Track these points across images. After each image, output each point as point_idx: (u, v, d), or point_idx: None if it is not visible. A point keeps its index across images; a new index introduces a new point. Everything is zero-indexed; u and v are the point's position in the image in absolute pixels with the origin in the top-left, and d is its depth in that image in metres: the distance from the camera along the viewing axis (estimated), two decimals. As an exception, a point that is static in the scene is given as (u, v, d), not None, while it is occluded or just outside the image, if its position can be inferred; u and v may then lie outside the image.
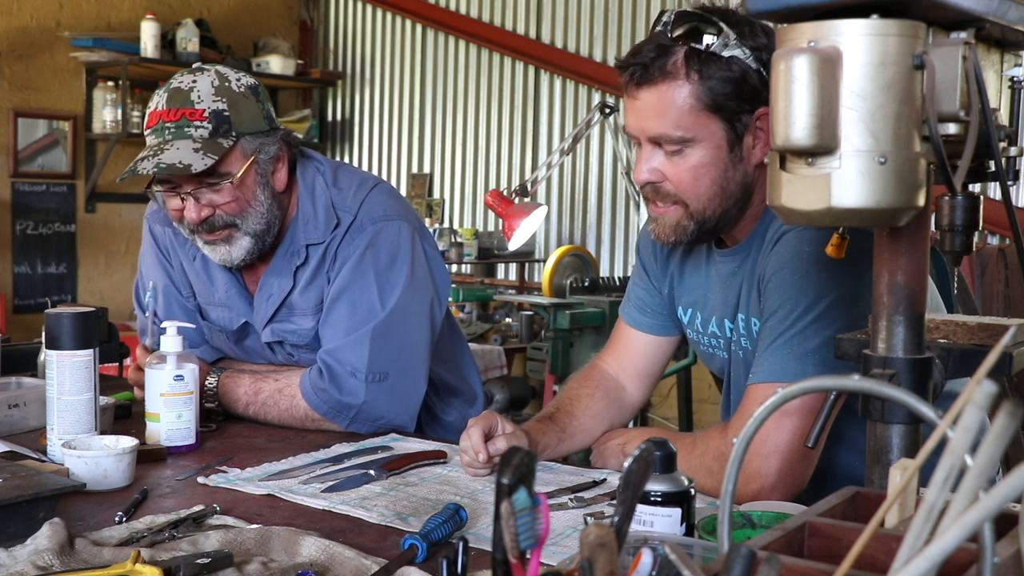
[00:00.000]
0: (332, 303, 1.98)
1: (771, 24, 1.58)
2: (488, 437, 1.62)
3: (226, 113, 1.89)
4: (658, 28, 1.58)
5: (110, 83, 5.76)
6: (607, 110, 4.36)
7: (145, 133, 1.92)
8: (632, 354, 1.94)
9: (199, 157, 1.84)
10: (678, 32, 1.55)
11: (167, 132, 1.86)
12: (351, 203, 2.00)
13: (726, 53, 1.53)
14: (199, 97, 1.88)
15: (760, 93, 1.55)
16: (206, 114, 1.87)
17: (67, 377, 1.65)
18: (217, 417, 2.00)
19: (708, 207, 1.60)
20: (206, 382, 2.00)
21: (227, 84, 1.92)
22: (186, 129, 1.86)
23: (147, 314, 2.07)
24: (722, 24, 1.53)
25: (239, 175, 1.90)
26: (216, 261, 2.00)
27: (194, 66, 1.97)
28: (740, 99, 1.55)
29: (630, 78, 1.58)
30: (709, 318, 1.77)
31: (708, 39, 1.53)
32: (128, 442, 1.59)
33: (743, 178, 1.60)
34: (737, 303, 1.69)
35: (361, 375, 1.94)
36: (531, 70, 5.92)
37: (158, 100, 1.91)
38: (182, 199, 1.91)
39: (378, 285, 1.97)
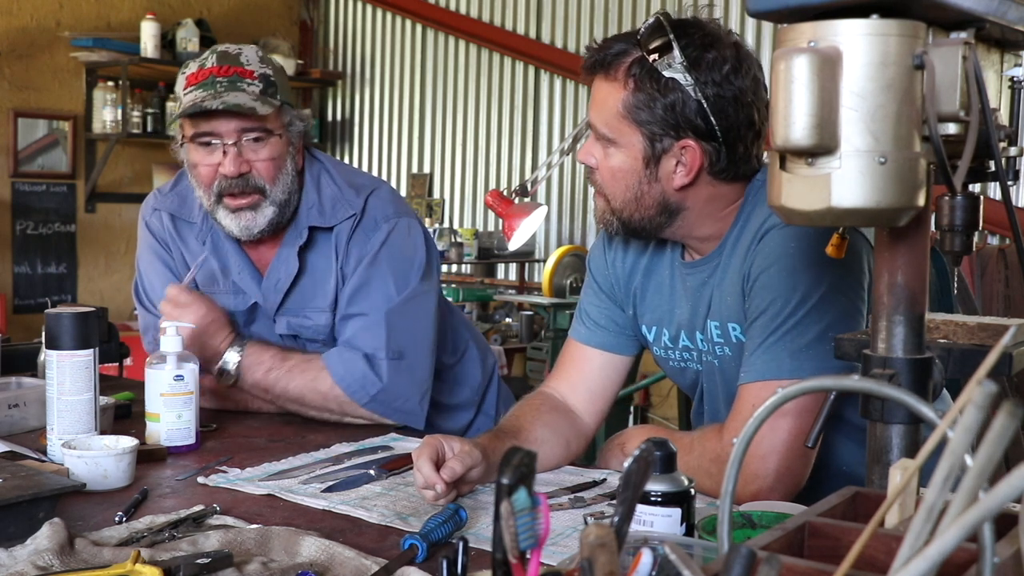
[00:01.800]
0: (350, 301, 2.03)
1: (735, 62, 1.55)
2: (438, 464, 1.47)
3: (272, 78, 1.98)
4: (639, 28, 1.58)
5: (110, 83, 5.77)
6: (607, 110, 4.36)
7: (186, 90, 1.95)
8: (584, 375, 1.83)
9: (259, 104, 1.92)
10: (650, 38, 1.55)
11: (219, 85, 1.92)
12: (356, 196, 2.05)
13: (667, 74, 1.53)
14: (247, 60, 1.96)
15: (691, 123, 1.55)
16: (256, 75, 1.96)
17: (67, 377, 1.65)
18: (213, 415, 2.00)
19: (625, 209, 1.64)
20: (226, 355, 2.00)
21: (269, 56, 2.02)
22: (239, 84, 1.93)
23: (190, 275, 2.05)
24: (674, 44, 1.53)
25: (278, 135, 1.98)
26: (236, 231, 2.00)
27: (228, 45, 2.03)
28: (664, 123, 1.55)
29: (584, 64, 1.63)
30: (678, 333, 1.74)
31: (665, 52, 1.53)
32: (128, 442, 1.59)
33: (660, 196, 1.61)
34: (707, 312, 1.67)
35: (382, 353, 1.99)
36: (531, 70, 5.92)
37: (203, 61, 1.96)
38: (224, 151, 1.93)
39: (394, 279, 2.03)
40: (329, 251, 2.04)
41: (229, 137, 1.93)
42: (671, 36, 1.53)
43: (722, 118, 1.54)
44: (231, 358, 2.00)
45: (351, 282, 2.03)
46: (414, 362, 2.03)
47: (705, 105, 1.53)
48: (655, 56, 1.54)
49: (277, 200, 1.98)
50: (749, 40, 5.04)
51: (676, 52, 1.52)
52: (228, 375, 2.00)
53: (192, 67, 1.97)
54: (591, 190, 1.74)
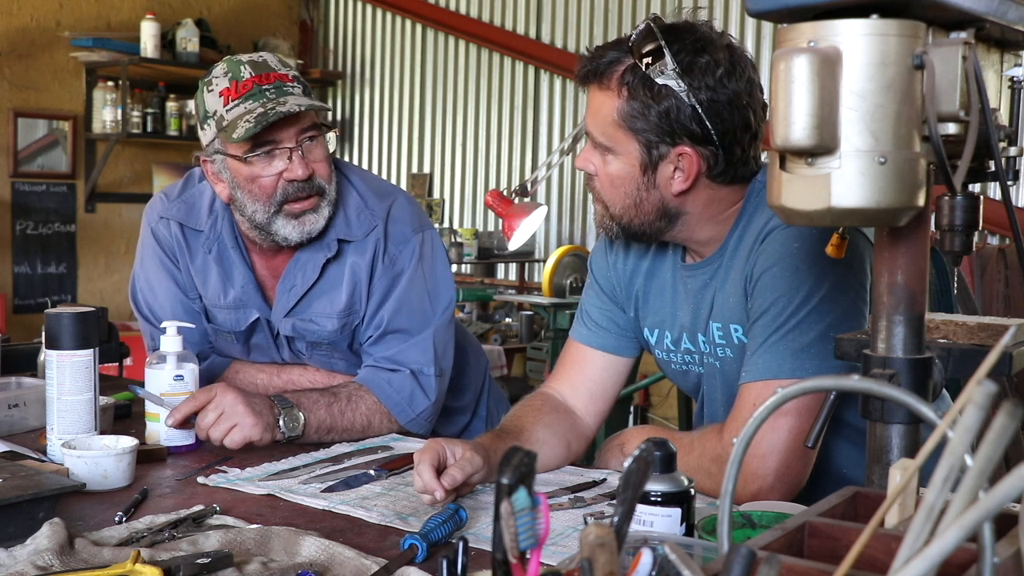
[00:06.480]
0: (392, 317, 2.00)
1: (728, 65, 1.54)
2: (440, 468, 1.46)
3: (302, 78, 1.96)
4: (630, 34, 1.57)
5: (110, 83, 5.77)
6: (607, 110, 4.35)
7: (228, 106, 1.87)
8: (585, 375, 1.83)
9: (318, 101, 1.90)
10: (642, 45, 1.55)
11: (267, 93, 1.87)
12: (379, 206, 2.03)
13: (660, 81, 1.53)
14: (276, 66, 1.93)
15: (687, 129, 1.54)
16: (291, 77, 1.93)
17: (67, 377, 1.65)
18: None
19: (624, 215, 1.64)
20: (282, 417, 1.83)
21: (285, 60, 1.99)
22: (285, 87, 1.90)
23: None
24: (665, 51, 1.52)
25: (325, 133, 1.96)
26: (297, 236, 1.95)
27: (240, 55, 1.98)
28: (659, 130, 1.55)
29: (577, 73, 1.63)
30: (680, 335, 1.74)
31: (657, 59, 1.53)
32: (128, 442, 1.59)
33: (660, 203, 1.61)
34: (709, 314, 1.68)
35: (430, 370, 2.00)
36: (531, 70, 5.92)
37: (234, 74, 1.88)
38: (290, 156, 1.89)
39: (429, 295, 2.04)
40: (344, 259, 2.01)
41: (291, 141, 1.89)
42: (662, 42, 1.53)
43: (718, 122, 1.54)
44: (289, 415, 1.83)
45: (392, 298, 2.00)
46: (448, 378, 2.07)
47: (700, 110, 1.53)
48: (647, 63, 1.54)
49: (331, 199, 1.96)
50: (749, 40, 5.04)
51: (668, 59, 1.52)
52: (296, 429, 1.84)
53: (222, 82, 1.89)
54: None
